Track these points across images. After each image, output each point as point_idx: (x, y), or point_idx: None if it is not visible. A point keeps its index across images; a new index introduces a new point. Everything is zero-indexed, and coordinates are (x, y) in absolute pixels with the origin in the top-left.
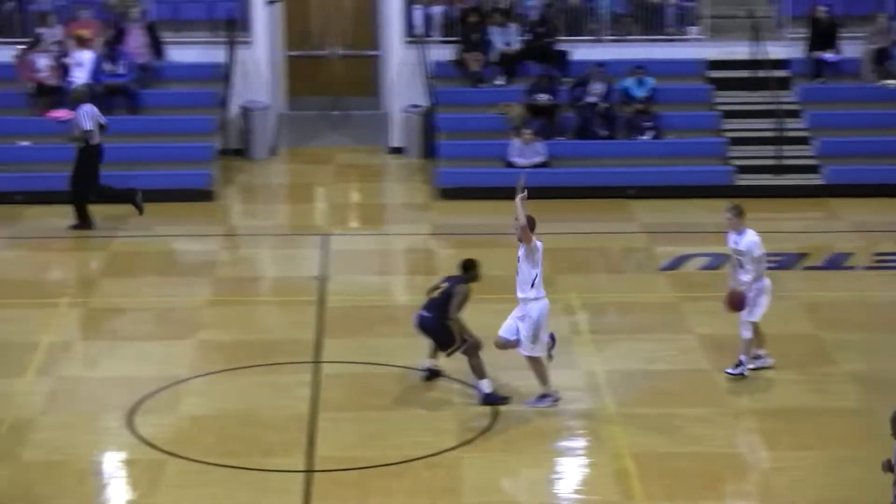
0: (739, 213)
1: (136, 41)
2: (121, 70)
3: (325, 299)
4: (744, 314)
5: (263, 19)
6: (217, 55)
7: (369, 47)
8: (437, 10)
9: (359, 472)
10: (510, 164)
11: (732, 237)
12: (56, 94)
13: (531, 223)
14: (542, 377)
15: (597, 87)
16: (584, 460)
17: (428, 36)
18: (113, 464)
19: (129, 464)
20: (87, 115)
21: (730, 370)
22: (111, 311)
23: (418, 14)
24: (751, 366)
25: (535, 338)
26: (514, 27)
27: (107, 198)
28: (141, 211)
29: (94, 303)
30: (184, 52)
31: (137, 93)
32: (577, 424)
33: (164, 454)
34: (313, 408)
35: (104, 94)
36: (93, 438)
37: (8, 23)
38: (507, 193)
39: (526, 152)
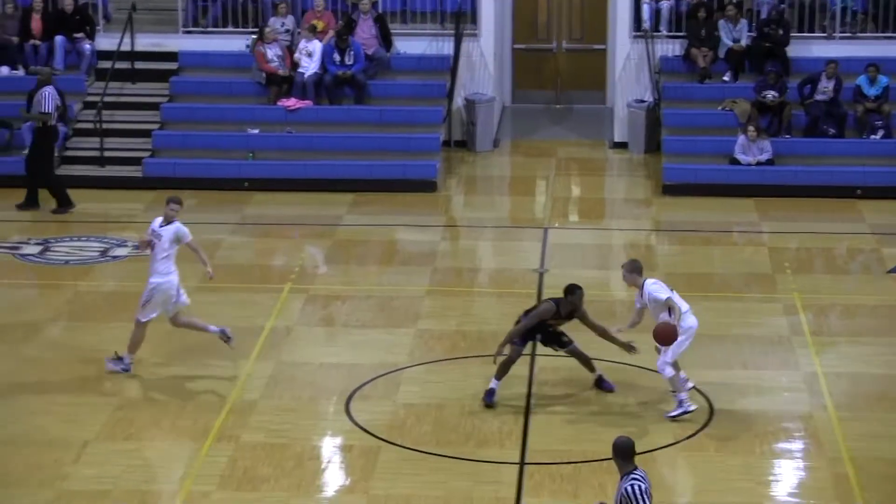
0: (632, 268)
1: (366, 32)
2: (350, 60)
3: (543, 292)
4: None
5: (491, 12)
6: (444, 47)
7: (595, 41)
8: (665, 4)
9: (572, 467)
10: (735, 161)
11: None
12: (286, 83)
13: None
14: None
15: (827, 85)
16: (801, 463)
17: (656, 30)
18: (330, 448)
19: (346, 449)
20: (51, 98)
21: (673, 413)
22: (333, 298)
23: (646, 8)
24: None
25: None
26: (744, 23)
27: (52, 184)
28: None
29: (316, 289)
30: (412, 44)
31: (366, 83)
32: (794, 426)
33: (379, 441)
34: (528, 400)
35: (333, 84)
36: (311, 423)
37: (242, 13)
38: (731, 191)
39: (752, 150)
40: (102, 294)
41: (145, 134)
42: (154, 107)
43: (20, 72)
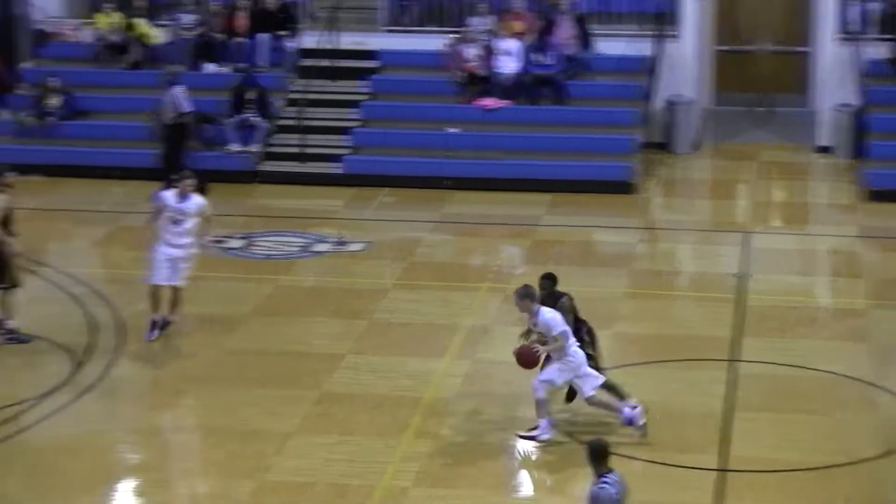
0: (524, 295)
1: (565, 32)
2: (548, 61)
3: (743, 297)
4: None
5: (692, 13)
6: (644, 48)
7: (799, 43)
8: (875, 5)
9: (775, 475)
10: None
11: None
12: (484, 83)
13: None
14: None
15: None
16: None
17: (863, 33)
18: (527, 448)
19: (543, 449)
20: (184, 97)
21: (523, 433)
22: None
23: (854, 10)
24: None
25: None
26: None
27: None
28: None
29: (513, 289)
30: (611, 45)
31: (564, 84)
32: None
33: (576, 442)
34: (728, 406)
35: (531, 84)
36: (507, 421)
37: (442, 12)
38: None
39: None
40: (303, 289)
41: (345, 131)
42: (354, 104)
43: (225, 68)
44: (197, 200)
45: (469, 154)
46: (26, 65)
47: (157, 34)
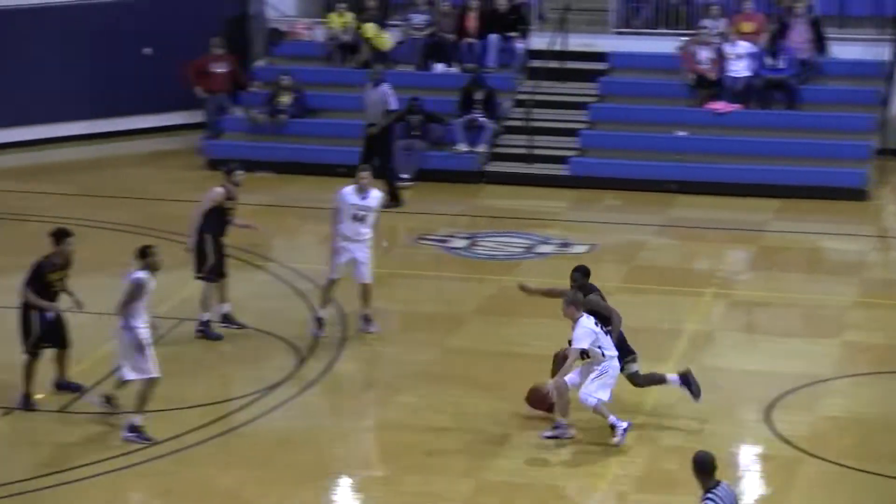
0: (570, 301)
1: (799, 36)
2: (781, 64)
3: None
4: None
5: None
6: (882, 53)
7: None
8: None
9: None
10: None
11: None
12: (715, 86)
13: None
14: None
15: None
16: None
17: None
18: (749, 456)
19: (765, 459)
20: (392, 95)
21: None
22: (755, 305)
23: None
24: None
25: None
26: None
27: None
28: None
29: (739, 295)
30: (847, 49)
31: (796, 88)
32: None
33: (800, 452)
34: None
35: (763, 88)
36: (729, 430)
37: (674, 14)
38: None
39: None
40: None
41: (572, 133)
42: (582, 106)
43: (454, 69)
44: (376, 195)
45: (697, 158)
46: (260, 63)
47: (386, 37)
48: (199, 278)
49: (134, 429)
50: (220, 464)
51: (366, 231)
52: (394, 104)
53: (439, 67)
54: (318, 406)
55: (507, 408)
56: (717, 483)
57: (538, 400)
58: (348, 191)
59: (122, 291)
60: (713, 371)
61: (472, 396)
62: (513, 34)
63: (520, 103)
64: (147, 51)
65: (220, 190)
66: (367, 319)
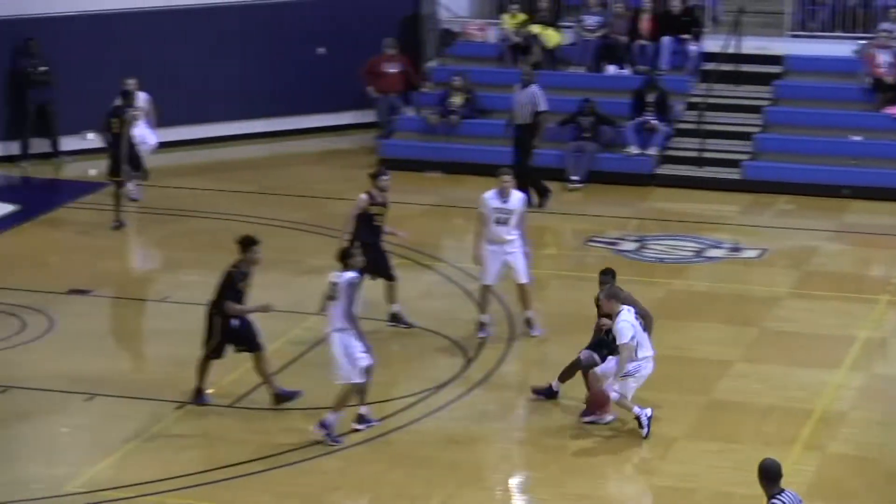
0: (609, 295)
1: None
2: None
3: None
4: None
5: None
6: None
7: None
8: None
9: None
10: None
11: None
12: (893, 90)
13: None
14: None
15: None
16: None
17: None
18: None
19: None
20: (542, 95)
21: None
22: None
23: None
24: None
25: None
26: None
27: (530, 177)
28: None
29: None
30: None
31: None
32: None
33: None
34: None
35: None
36: None
37: (851, 17)
38: None
39: None
40: (695, 294)
41: (745, 136)
42: (756, 110)
43: (626, 71)
44: (518, 198)
45: (872, 163)
46: (432, 63)
47: (559, 39)
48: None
49: (326, 426)
50: (387, 462)
51: (512, 233)
52: (543, 105)
53: (612, 69)
54: (483, 406)
55: (673, 412)
56: (781, 490)
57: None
58: (490, 195)
59: (342, 296)
60: (886, 379)
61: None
62: (686, 36)
63: (692, 106)
64: (321, 50)
65: (364, 196)
66: (529, 323)
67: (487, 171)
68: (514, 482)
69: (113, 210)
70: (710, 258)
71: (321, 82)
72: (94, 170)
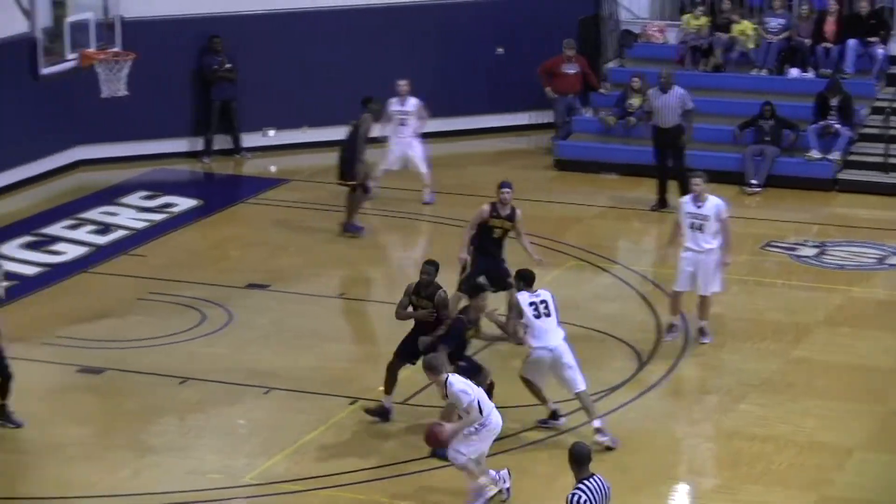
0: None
1: None
2: None
3: None
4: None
5: None
6: None
7: None
8: None
9: None
10: None
11: None
12: None
13: None
14: None
15: None
16: None
17: None
18: None
19: None
20: (688, 96)
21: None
22: None
23: None
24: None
25: None
26: None
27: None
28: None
29: None
30: None
31: None
32: None
33: None
34: None
35: None
36: None
37: None
38: None
39: None
40: (876, 302)
41: None
42: None
43: (810, 74)
44: (713, 203)
45: None
46: (611, 65)
47: (750, 36)
48: (459, 290)
49: (604, 431)
50: (558, 463)
51: (709, 241)
52: (691, 104)
53: (794, 72)
54: (657, 410)
55: (852, 423)
56: (589, 475)
57: (434, 439)
58: (686, 199)
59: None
60: None
61: (814, 407)
62: (873, 39)
63: (877, 110)
64: (500, 50)
65: (485, 208)
66: (702, 331)
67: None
68: (685, 488)
69: (346, 212)
70: (894, 266)
71: (499, 82)
72: (274, 166)
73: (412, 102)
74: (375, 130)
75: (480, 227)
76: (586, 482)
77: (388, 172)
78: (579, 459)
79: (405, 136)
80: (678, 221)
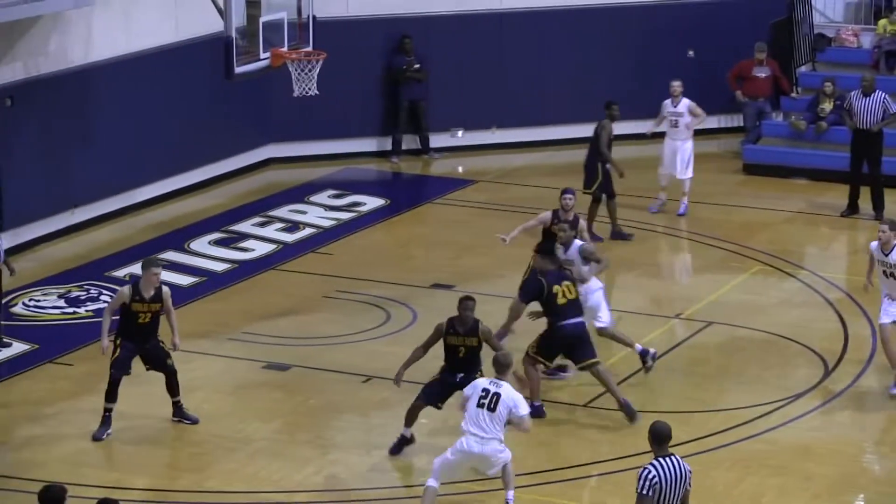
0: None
1: None
2: None
3: None
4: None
5: None
6: None
7: None
8: None
9: None
10: None
11: None
12: None
13: None
14: None
15: None
16: None
17: None
18: None
19: None
20: (890, 101)
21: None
22: None
23: None
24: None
25: None
26: None
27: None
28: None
29: None
30: None
31: None
32: None
33: None
34: None
35: None
36: None
37: None
38: None
39: None
40: None
41: None
42: None
43: None
44: None
45: None
46: (803, 69)
47: None
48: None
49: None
50: (740, 469)
51: None
52: (893, 108)
53: None
54: (841, 419)
55: None
56: (665, 455)
57: None
58: (874, 246)
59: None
60: None
61: None
62: None
63: None
64: (691, 53)
65: (547, 214)
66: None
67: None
68: (871, 498)
69: (610, 222)
70: None
71: (689, 85)
72: (462, 167)
73: (684, 104)
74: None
75: (544, 232)
76: (662, 460)
77: (671, 179)
78: (658, 438)
79: (677, 137)
80: (869, 263)
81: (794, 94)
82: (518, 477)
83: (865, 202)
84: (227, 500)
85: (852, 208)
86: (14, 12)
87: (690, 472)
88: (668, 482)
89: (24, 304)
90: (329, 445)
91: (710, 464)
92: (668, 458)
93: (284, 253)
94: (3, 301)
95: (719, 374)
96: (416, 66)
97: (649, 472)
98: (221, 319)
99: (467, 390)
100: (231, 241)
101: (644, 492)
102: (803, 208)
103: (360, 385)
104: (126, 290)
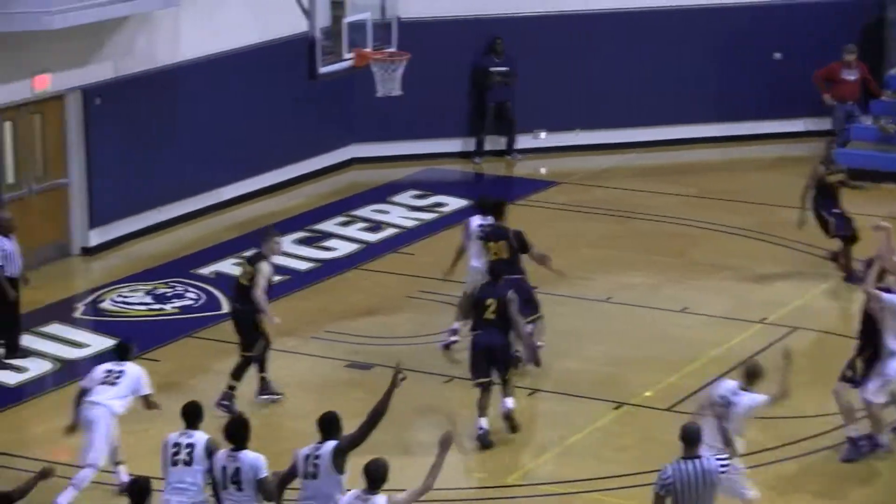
0: None
1: None
2: None
3: None
4: None
5: None
6: None
7: None
8: None
9: None
10: None
11: None
12: None
13: None
14: None
15: None
16: None
17: None
18: None
19: None
20: None
21: None
22: None
23: None
24: None
25: None
26: None
27: None
28: None
29: None
30: None
31: None
32: None
33: None
34: None
35: None
36: None
37: None
38: None
39: None
40: None
41: None
42: None
43: None
44: None
45: None
46: (893, 71)
47: None
48: None
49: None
50: (831, 477)
51: None
52: None
53: None
54: None
55: None
56: (691, 457)
57: None
58: None
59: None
60: None
61: None
62: None
63: None
64: (777, 55)
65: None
66: None
67: None
68: None
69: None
70: None
71: (776, 87)
72: (544, 168)
73: None
74: None
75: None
76: (684, 462)
77: None
78: (685, 438)
79: None
80: None
81: (883, 97)
82: (602, 480)
83: None
84: None
85: None
86: (103, 13)
87: (715, 473)
88: (685, 484)
89: (111, 300)
90: (412, 445)
91: (815, 467)
92: (692, 461)
93: (367, 252)
94: (91, 297)
95: (812, 381)
96: (505, 69)
97: (665, 472)
98: (304, 318)
99: None
100: (314, 240)
101: (657, 491)
102: (892, 213)
103: (442, 385)
104: (267, 266)
